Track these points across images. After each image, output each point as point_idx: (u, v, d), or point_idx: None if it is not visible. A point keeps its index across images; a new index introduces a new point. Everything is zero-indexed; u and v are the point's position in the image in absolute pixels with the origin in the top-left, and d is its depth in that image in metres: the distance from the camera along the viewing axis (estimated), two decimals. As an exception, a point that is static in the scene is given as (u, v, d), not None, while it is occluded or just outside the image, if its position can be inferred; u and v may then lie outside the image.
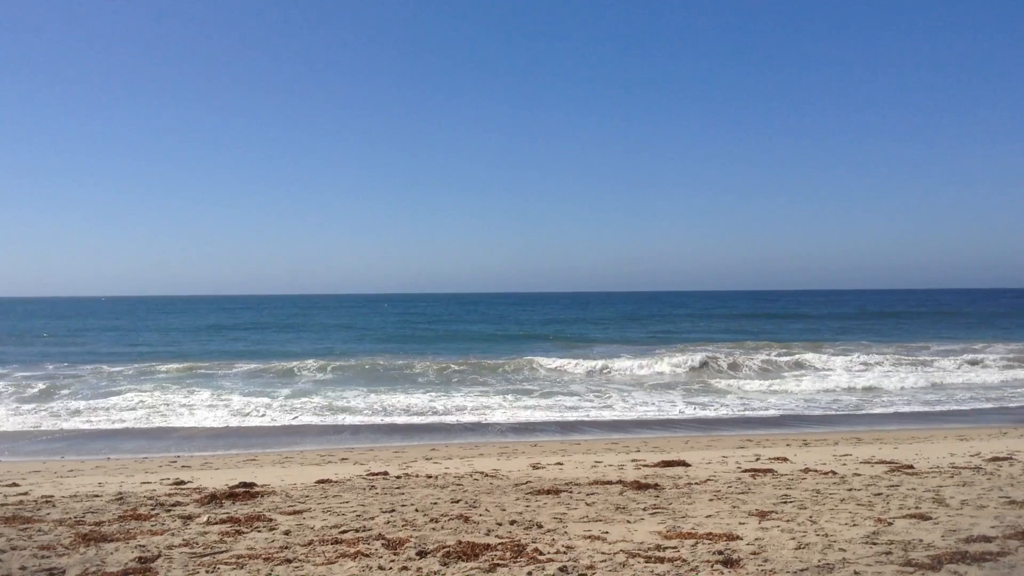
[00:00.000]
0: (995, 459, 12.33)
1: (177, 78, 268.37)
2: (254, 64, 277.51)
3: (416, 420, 21.75)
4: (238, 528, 7.87)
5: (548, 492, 9.87)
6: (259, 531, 7.76)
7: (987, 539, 7.04)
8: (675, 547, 6.94)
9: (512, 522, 8.09)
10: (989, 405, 24.49)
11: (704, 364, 34.28)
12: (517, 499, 9.49)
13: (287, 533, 7.67)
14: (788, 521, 7.94)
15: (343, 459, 15.14)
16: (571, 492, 9.89)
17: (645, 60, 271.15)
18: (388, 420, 21.72)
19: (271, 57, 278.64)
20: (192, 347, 47.60)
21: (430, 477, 11.72)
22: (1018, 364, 33.63)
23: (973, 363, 33.89)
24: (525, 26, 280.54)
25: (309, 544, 7.19)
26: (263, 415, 22.30)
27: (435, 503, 9.30)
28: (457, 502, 9.32)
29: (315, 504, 9.32)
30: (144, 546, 7.14)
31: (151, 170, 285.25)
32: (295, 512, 8.76)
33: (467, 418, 21.90)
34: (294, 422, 21.49)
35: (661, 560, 6.50)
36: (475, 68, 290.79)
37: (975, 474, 10.89)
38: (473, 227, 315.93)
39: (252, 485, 10.79)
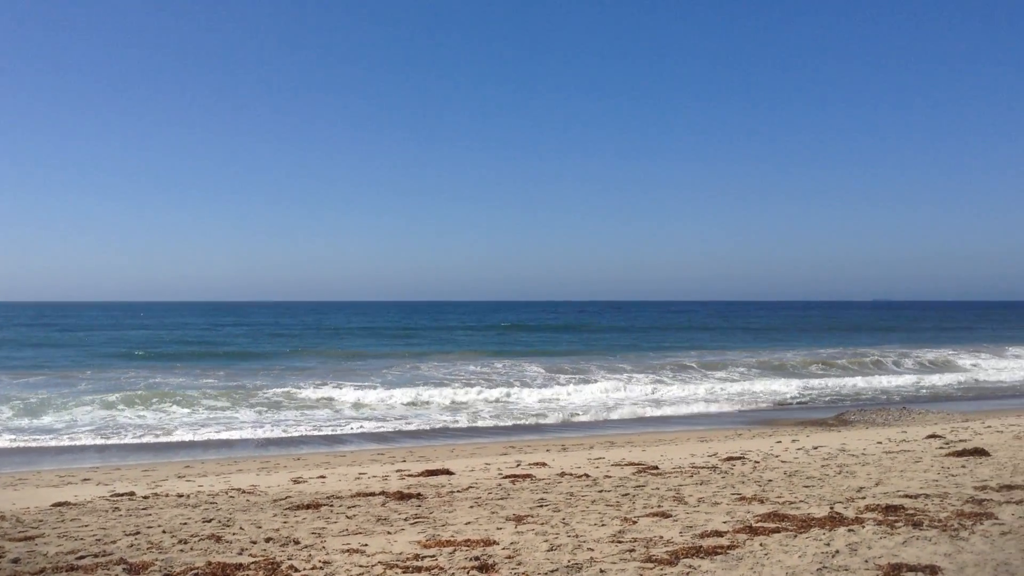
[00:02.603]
0: (730, 459, 13.39)
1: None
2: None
3: (171, 438, 20.58)
4: (-45, 561, 7.10)
5: (308, 507, 9.66)
6: (-20, 563, 7.04)
7: (719, 533, 7.62)
8: (433, 556, 6.99)
9: (268, 539, 7.85)
10: (729, 408, 26.65)
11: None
12: (275, 515, 9.21)
13: (15, 561, 7.01)
14: (543, 524, 8.23)
15: (85, 479, 14.06)
16: (332, 506, 9.73)
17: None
18: (138, 440, 20.37)
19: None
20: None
21: (181, 496, 11.12)
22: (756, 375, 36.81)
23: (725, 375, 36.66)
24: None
25: (41, 572, 6.62)
26: (-7, 434, 20.26)
27: (185, 523, 8.84)
28: (209, 521, 8.91)
29: (50, 529, 8.59)
30: None
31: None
32: (26, 538, 8.03)
33: (223, 434, 20.97)
34: (29, 442, 19.67)
35: (418, 570, 6.53)
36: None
37: (712, 473, 11.78)
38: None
39: (-25, 512, 9.77)
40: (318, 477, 12.95)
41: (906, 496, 9.31)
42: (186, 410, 24.45)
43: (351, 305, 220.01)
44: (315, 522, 8.72)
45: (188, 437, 20.40)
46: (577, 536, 7.63)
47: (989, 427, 16.89)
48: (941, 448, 13.46)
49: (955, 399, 29.72)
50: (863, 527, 7.70)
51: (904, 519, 7.98)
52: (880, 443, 14.86)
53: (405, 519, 8.76)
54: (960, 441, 14.25)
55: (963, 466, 11.39)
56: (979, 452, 12.43)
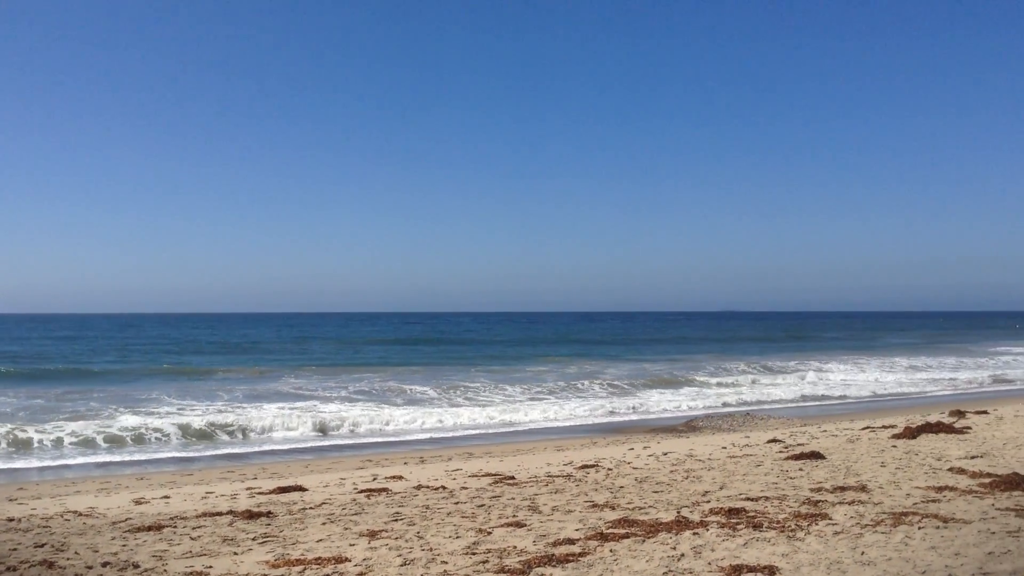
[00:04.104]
0: (584, 467, 13.63)
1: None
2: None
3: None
4: None
5: (149, 528, 9.21)
6: None
7: (571, 541, 7.74)
8: (282, 575, 6.80)
9: (105, 564, 7.44)
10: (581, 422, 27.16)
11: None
12: (113, 538, 8.74)
13: None
14: (397, 539, 8.14)
15: (-99, 507, 12.96)
16: (175, 527, 9.31)
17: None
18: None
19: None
20: None
21: (12, 520, 10.39)
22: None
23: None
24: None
25: None
26: None
27: (15, 549, 8.27)
28: (42, 546, 8.37)
29: None
30: None
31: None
32: None
33: (61, 456, 19.76)
34: None
35: (266, 590, 6.33)
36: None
37: (566, 481, 11.96)
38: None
39: None
40: (162, 497, 12.37)
41: (748, 499, 9.71)
42: (17, 431, 22.87)
43: (201, 317, 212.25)
44: (157, 544, 8.33)
45: (22, 462, 19.09)
46: (431, 549, 7.58)
47: (825, 431, 17.84)
48: (781, 452, 14.12)
49: (798, 404, 31.30)
50: (707, 530, 7.98)
51: (745, 521, 8.33)
52: (725, 448, 15.46)
53: (253, 538, 8.48)
54: (798, 445, 14.99)
55: (800, 469, 11.99)
56: (815, 455, 13.12)
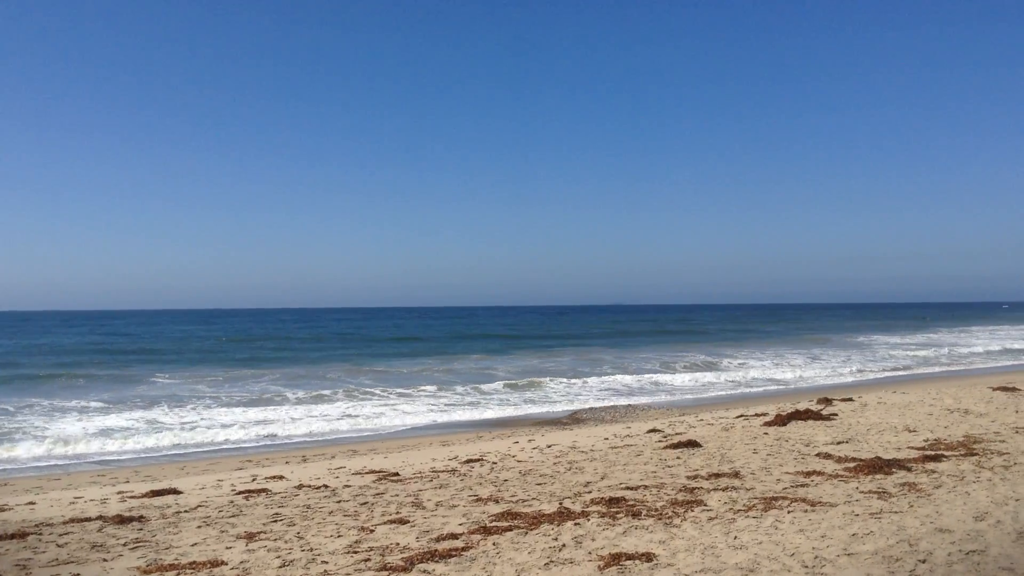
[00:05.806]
0: (469, 461, 13.64)
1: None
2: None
3: None
4: None
5: (13, 536, 8.74)
6: None
7: (455, 536, 7.74)
8: (154, 582, 6.56)
9: (-39, 577, 7.02)
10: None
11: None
12: (-29, 550, 8.25)
13: None
14: (276, 540, 7.97)
15: None
16: (41, 534, 8.86)
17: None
18: None
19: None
20: None
21: None
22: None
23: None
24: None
25: None
26: None
27: None
28: None
29: None
30: None
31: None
32: None
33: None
34: None
35: (136, 598, 6.10)
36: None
37: (451, 476, 11.95)
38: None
39: None
40: (27, 504, 11.75)
41: (628, 488, 9.92)
42: None
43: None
44: (20, 553, 7.91)
45: None
46: (312, 550, 7.46)
47: (702, 420, 18.38)
48: (660, 441, 14.48)
49: (682, 394, 32.14)
50: (588, 520, 8.12)
51: (625, 510, 8.50)
52: (607, 439, 15.74)
53: (124, 544, 8.15)
54: (677, 434, 15.40)
55: (678, 458, 12.33)
56: (692, 444, 13.52)
